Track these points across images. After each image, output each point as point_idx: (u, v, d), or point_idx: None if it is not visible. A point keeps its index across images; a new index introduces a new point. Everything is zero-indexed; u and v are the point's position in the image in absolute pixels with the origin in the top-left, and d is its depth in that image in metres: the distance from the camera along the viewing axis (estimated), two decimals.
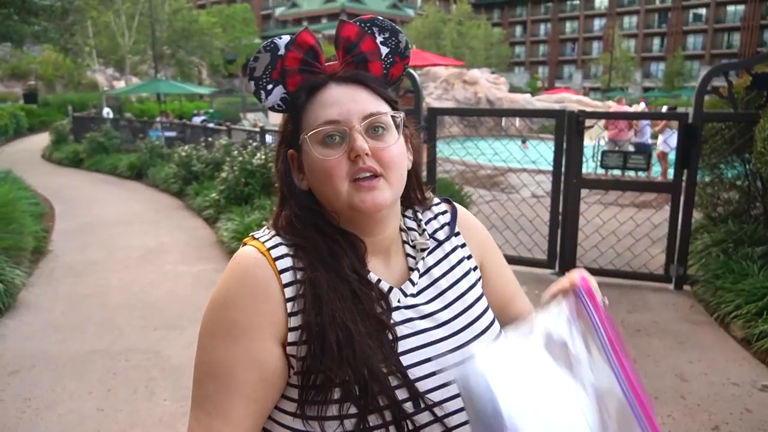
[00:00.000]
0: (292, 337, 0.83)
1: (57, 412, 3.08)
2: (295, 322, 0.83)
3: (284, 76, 0.90)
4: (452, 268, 0.97)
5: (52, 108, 27.27)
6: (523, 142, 10.47)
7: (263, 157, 7.32)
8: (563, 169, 5.05)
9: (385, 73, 0.93)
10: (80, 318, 4.43)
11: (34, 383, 3.38)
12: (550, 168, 5.15)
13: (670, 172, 5.32)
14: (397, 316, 0.88)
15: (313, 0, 67.24)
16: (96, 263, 5.87)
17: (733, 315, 3.98)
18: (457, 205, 1.06)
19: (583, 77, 64.85)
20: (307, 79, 0.89)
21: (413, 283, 0.92)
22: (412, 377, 0.81)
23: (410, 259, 0.96)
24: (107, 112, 20.24)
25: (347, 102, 0.86)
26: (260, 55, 0.90)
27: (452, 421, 0.82)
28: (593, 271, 4.95)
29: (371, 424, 0.78)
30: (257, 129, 9.76)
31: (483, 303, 0.97)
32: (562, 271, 5.16)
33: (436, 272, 0.95)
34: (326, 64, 0.91)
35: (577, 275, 0.83)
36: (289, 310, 0.83)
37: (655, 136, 11.03)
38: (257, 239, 0.90)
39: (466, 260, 0.99)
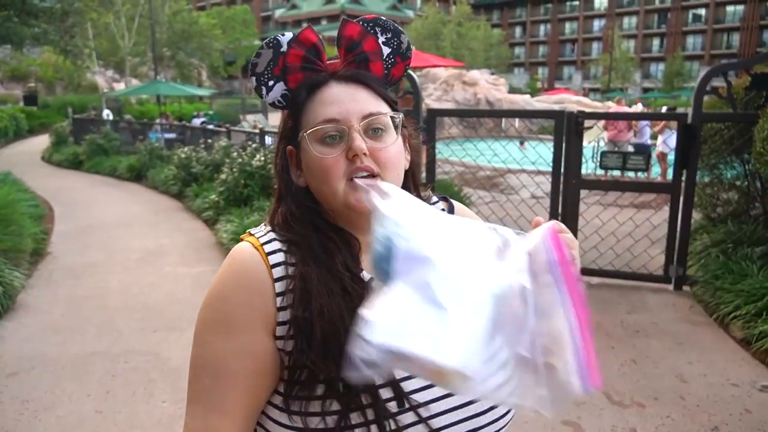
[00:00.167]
0: (280, 331, 0.84)
1: (56, 414, 3.08)
2: (283, 316, 0.84)
3: (285, 73, 0.90)
4: None
5: (52, 110, 27.29)
6: (521, 143, 10.47)
7: (262, 158, 7.32)
8: (562, 170, 5.05)
9: (386, 73, 0.93)
10: (79, 320, 4.42)
11: (33, 385, 3.38)
12: (550, 169, 5.15)
13: (670, 172, 5.32)
14: None
15: (313, 1, 67.31)
16: (95, 265, 5.87)
17: (732, 315, 3.97)
18: (455, 202, 1.06)
19: (583, 78, 64.89)
20: (308, 77, 0.90)
21: None
22: (396, 377, 0.81)
23: None
24: (107, 113, 20.25)
25: (347, 101, 0.86)
26: (262, 51, 0.90)
27: (437, 423, 0.81)
28: (593, 272, 4.99)
29: (353, 422, 0.78)
30: (257, 131, 9.76)
31: None
32: None
33: None
34: (328, 62, 0.91)
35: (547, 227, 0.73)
36: (278, 305, 0.84)
37: (654, 137, 11.03)
38: (253, 235, 0.92)
39: None
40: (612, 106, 18.24)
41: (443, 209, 1.03)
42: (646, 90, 56.38)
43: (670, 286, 4.85)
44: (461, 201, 6.25)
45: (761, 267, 4.33)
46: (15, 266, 5.06)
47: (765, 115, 4.27)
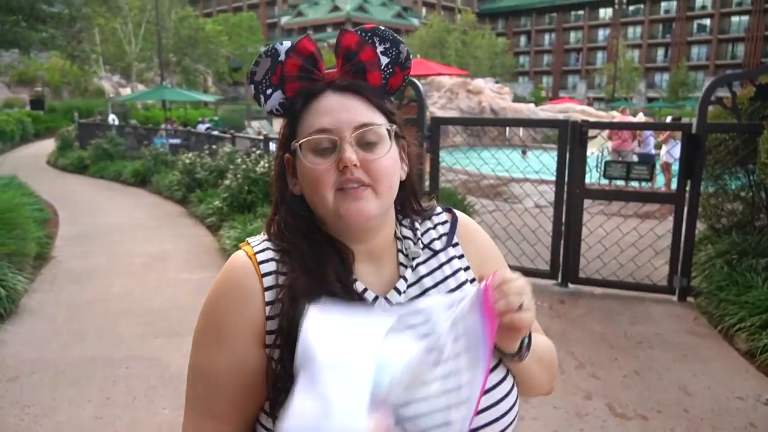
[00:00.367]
0: (269, 339, 0.85)
1: (55, 419, 3.07)
2: (272, 325, 0.85)
3: (283, 82, 0.91)
4: (445, 278, 0.96)
5: (58, 114, 27.46)
6: (524, 152, 10.46)
7: (266, 165, 7.34)
8: (566, 179, 5.04)
9: (384, 83, 0.93)
10: (81, 324, 4.42)
11: (34, 390, 3.37)
12: (553, 178, 5.14)
13: (674, 182, 5.30)
14: None
15: (319, 9, 67.69)
16: (98, 270, 5.87)
17: (737, 327, 3.94)
18: (461, 215, 1.05)
19: (587, 87, 64.96)
20: (305, 86, 0.90)
21: (399, 292, 0.92)
22: None
23: (402, 268, 0.95)
24: (113, 118, 20.35)
25: (340, 111, 0.86)
26: (261, 60, 0.91)
27: None
28: (596, 282, 4.97)
29: None
30: (261, 137, 9.79)
31: None
32: (564, 282, 5.15)
33: (428, 282, 0.94)
34: (325, 71, 0.91)
35: (492, 276, 0.79)
36: (267, 314, 0.86)
37: (658, 147, 11.01)
38: (249, 244, 0.94)
39: (462, 272, 0.98)
40: (616, 116, 18.25)
41: (446, 221, 1.02)
42: (650, 100, 56.40)
43: (674, 297, 4.83)
44: (465, 209, 6.24)
45: (766, 279, 4.31)
46: (18, 270, 5.08)
47: None
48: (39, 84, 33.16)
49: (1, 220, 5.41)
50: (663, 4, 65.26)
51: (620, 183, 7.93)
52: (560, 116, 18.51)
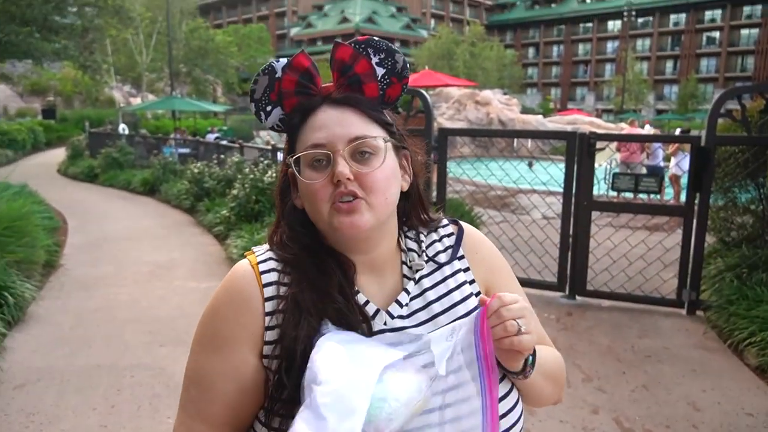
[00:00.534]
0: (267, 350, 0.86)
1: (60, 428, 3.07)
2: (271, 336, 0.86)
3: (281, 98, 0.92)
4: (449, 291, 0.95)
5: (69, 123, 27.75)
6: (530, 164, 10.44)
7: (274, 174, 7.36)
8: (574, 191, 5.02)
9: (382, 94, 0.93)
10: (88, 332, 4.43)
11: (39, 398, 3.38)
12: (561, 189, 5.13)
13: (683, 195, 5.27)
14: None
15: (328, 20, 68.22)
16: (106, 278, 5.90)
17: (747, 342, 3.89)
18: (467, 227, 1.05)
19: (596, 99, 64.90)
20: (302, 101, 0.91)
21: (400, 305, 0.91)
22: None
23: (405, 280, 0.95)
24: (123, 128, 20.52)
25: (333, 126, 0.87)
26: (259, 78, 0.92)
27: None
28: (604, 295, 4.94)
29: None
30: (269, 147, 9.83)
31: None
32: (572, 294, 5.11)
33: (431, 295, 0.94)
34: (322, 86, 0.92)
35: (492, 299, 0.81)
36: (267, 324, 0.86)
37: (667, 159, 10.96)
38: (253, 253, 0.95)
39: (467, 285, 0.97)
40: (625, 128, 18.20)
41: (452, 233, 1.02)
42: (659, 112, 56.25)
43: (683, 311, 4.78)
44: (472, 220, 6.22)
45: None
46: (27, 278, 5.11)
47: None
48: (51, 94, 33.55)
49: (10, 228, 5.44)
50: (672, 16, 65.27)
51: (629, 195, 7.89)
52: (568, 128, 18.49)
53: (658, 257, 5.12)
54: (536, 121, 22.59)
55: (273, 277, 0.89)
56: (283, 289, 0.88)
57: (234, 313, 0.87)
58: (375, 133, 0.88)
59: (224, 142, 13.91)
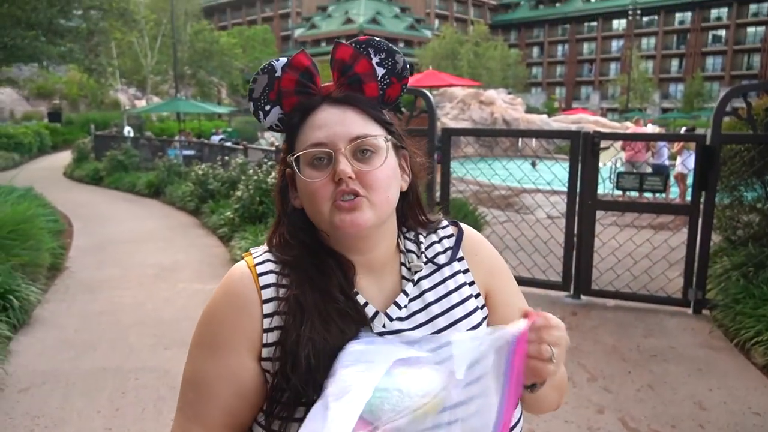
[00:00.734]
0: (265, 352, 0.85)
1: (65, 431, 3.08)
2: (270, 338, 0.85)
3: (281, 98, 0.91)
4: (449, 293, 0.94)
5: (75, 126, 27.86)
6: (533, 164, 10.40)
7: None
8: (578, 190, 5.00)
9: (382, 93, 0.92)
10: (93, 335, 4.44)
11: (44, 401, 3.38)
12: (565, 189, 5.11)
13: (689, 193, 5.24)
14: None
15: (332, 22, 68.27)
16: (111, 280, 5.91)
17: (753, 341, 3.87)
18: (467, 228, 1.04)
19: (601, 98, 64.70)
20: (302, 101, 0.90)
21: (399, 307, 0.91)
22: None
23: (404, 282, 0.94)
24: (128, 130, 20.60)
25: (334, 125, 0.87)
26: (258, 77, 0.92)
27: None
28: (609, 294, 4.92)
29: None
30: (273, 148, 9.85)
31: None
32: (577, 294, 5.09)
33: (430, 297, 0.93)
34: (322, 85, 0.91)
35: (531, 321, 0.79)
36: (265, 326, 0.86)
37: (673, 158, 10.91)
38: (251, 254, 0.94)
39: (467, 286, 0.96)
40: (630, 127, 18.13)
41: (452, 234, 1.01)
42: (665, 110, 56.02)
43: (689, 310, 4.75)
44: (476, 220, 6.20)
45: None
46: (32, 281, 5.12)
47: None
48: (57, 97, 33.71)
49: (15, 231, 5.46)
50: (677, 14, 64.98)
51: (634, 194, 7.85)
52: (573, 127, 18.44)
53: (663, 256, 5.09)
54: (541, 121, 22.54)
55: (271, 279, 0.88)
56: (281, 291, 0.87)
57: (232, 316, 0.87)
58: (376, 132, 0.88)
59: (228, 144, 13.94)
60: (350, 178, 0.83)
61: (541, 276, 5.28)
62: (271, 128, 0.94)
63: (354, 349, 0.80)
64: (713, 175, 4.59)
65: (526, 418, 0.99)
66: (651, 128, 18.86)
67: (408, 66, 0.94)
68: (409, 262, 0.95)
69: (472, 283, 0.97)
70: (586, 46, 71.89)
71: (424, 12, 74.82)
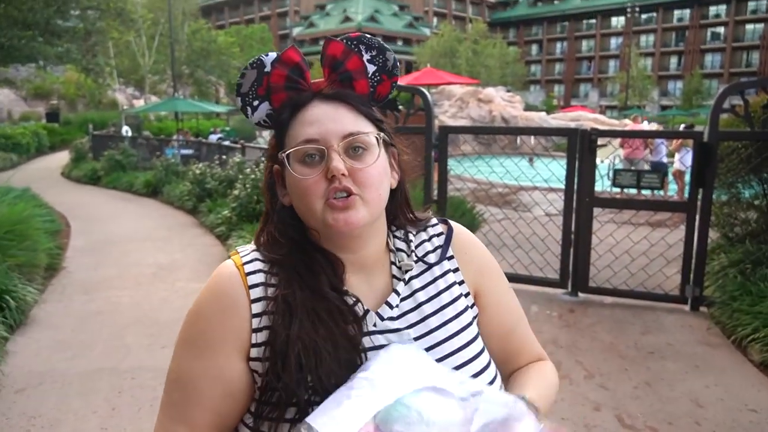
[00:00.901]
0: (254, 352, 0.84)
1: (61, 431, 3.07)
2: (259, 338, 0.84)
3: (270, 93, 0.90)
4: (439, 293, 0.94)
5: (73, 126, 27.82)
6: (530, 160, 10.40)
7: None
8: (576, 188, 5.00)
9: (372, 91, 0.92)
10: (90, 335, 4.44)
11: (40, 401, 3.38)
12: (562, 186, 5.10)
13: (687, 191, 5.23)
14: (372, 340, 0.86)
15: (330, 20, 68.21)
16: (109, 280, 5.90)
17: (750, 338, 3.86)
18: (457, 226, 1.03)
19: (600, 95, 64.67)
20: (292, 96, 0.89)
21: (391, 306, 0.90)
22: None
23: (395, 281, 0.93)
24: (126, 130, 20.56)
25: (327, 121, 0.85)
26: (247, 72, 0.90)
27: None
28: (607, 292, 4.92)
29: None
30: None
31: (470, 332, 0.93)
32: (574, 291, 5.08)
33: (421, 296, 0.93)
34: (312, 81, 0.90)
35: None
36: (254, 326, 0.84)
37: (672, 155, 10.91)
38: (238, 254, 0.92)
39: (457, 285, 0.96)
40: (629, 124, 18.13)
41: (441, 233, 1.00)
42: (664, 108, 56.04)
43: (686, 307, 4.75)
44: (473, 218, 6.17)
45: None
46: (29, 281, 5.11)
47: None
48: (54, 97, 33.67)
49: (11, 232, 5.45)
50: (676, 12, 64.98)
51: (632, 191, 7.84)
52: (572, 124, 18.42)
53: (660, 253, 5.09)
54: (539, 118, 22.54)
55: (260, 278, 0.87)
56: (270, 290, 0.86)
57: (220, 316, 0.85)
58: (367, 129, 0.87)
59: (226, 143, 13.92)
60: (343, 174, 0.83)
61: (539, 273, 5.28)
62: (259, 124, 0.93)
63: (398, 351, 0.80)
64: (710, 172, 4.59)
65: None
66: (646, 126, 18.88)
67: (398, 63, 0.93)
68: (399, 261, 0.94)
69: (461, 282, 0.97)
70: (584, 44, 71.86)
71: (423, 10, 74.75)
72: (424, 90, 5.56)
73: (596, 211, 5.13)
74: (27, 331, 4.48)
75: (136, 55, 32.12)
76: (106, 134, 18.78)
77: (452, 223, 1.03)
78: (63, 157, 19.64)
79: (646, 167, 9.53)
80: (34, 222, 6.28)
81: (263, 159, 8.52)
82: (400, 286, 0.92)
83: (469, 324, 0.94)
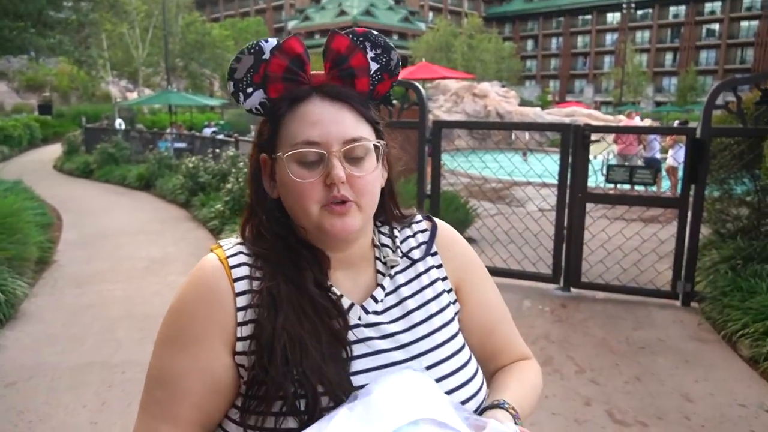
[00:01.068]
0: (240, 346, 0.83)
1: (50, 425, 3.06)
2: (244, 331, 0.83)
3: (266, 82, 0.87)
4: (423, 288, 0.94)
5: (66, 119, 27.65)
6: (524, 154, 10.40)
7: None
8: (569, 183, 5.00)
9: (371, 89, 0.90)
10: (80, 329, 4.41)
11: (30, 395, 3.36)
12: (556, 181, 5.10)
13: (680, 186, 5.25)
14: (355, 333, 0.85)
15: (326, 13, 67.93)
16: (100, 274, 5.88)
17: (740, 334, 3.88)
18: (441, 223, 1.03)
19: (595, 91, 64.79)
20: (290, 89, 0.86)
21: (376, 301, 0.90)
22: None
23: (380, 276, 0.93)
24: (119, 123, 20.45)
25: (329, 124, 0.83)
26: (243, 57, 0.87)
27: None
28: (599, 287, 4.93)
29: None
30: None
31: (452, 328, 0.93)
32: (566, 286, 5.10)
33: (405, 291, 0.92)
34: (312, 73, 0.88)
35: None
36: (239, 320, 0.83)
37: (665, 151, 10.94)
38: (221, 247, 0.91)
39: (440, 281, 0.96)
40: (623, 120, 18.15)
41: (426, 229, 1.00)
42: (658, 104, 56.20)
43: (678, 302, 4.77)
44: (466, 213, 6.16)
45: None
46: (19, 275, 5.07)
47: None
48: (47, 89, 33.44)
49: (1, 225, 5.41)
50: (672, 8, 65.08)
51: (626, 187, 7.86)
52: (567, 120, 18.45)
53: (653, 249, 5.10)
54: (534, 114, 22.54)
55: (244, 271, 0.86)
56: (255, 284, 0.85)
57: (204, 310, 0.84)
58: (367, 134, 0.86)
59: (220, 137, 13.87)
60: (342, 183, 0.82)
61: (532, 268, 5.29)
62: (250, 111, 0.90)
63: (408, 378, 0.79)
64: (703, 168, 4.60)
65: None
66: (638, 121, 18.93)
67: (400, 63, 0.92)
68: (384, 257, 0.94)
69: (445, 278, 0.97)
70: (580, 39, 71.90)
71: (419, 4, 74.56)
72: (418, 84, 5.54)
73: (589, 206, 5.14)
74: (17, 325, 4.46)
75: (130, 48, 31.86)
76: (99, 127, 18.67)
77: (436, 219, 1.03)
78: (55, 150, 19.51)
79: (640, 163, 9.56)
80: (25, 215, 6.24)
81: None
82: (386, 281, 0.92)
83: (452, 320, 0.94)
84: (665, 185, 10.79)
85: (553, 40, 74.24)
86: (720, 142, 5.11)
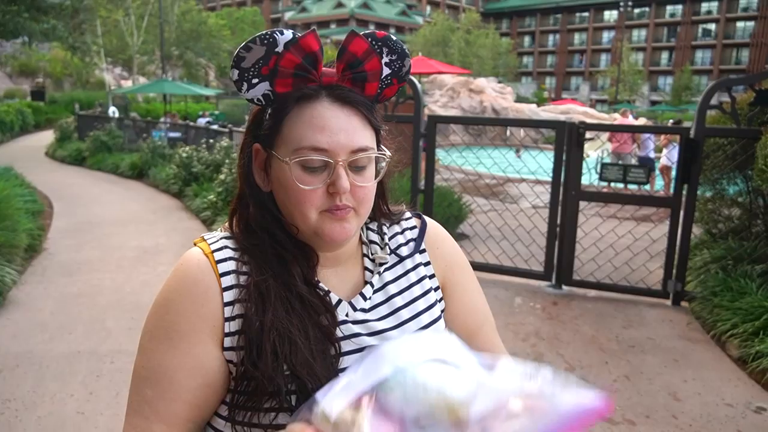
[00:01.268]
0: (228, 341, 0.81)
1: (36, 414, 3.04)
2: (232, 326, 0.82)
3: (275, 75, 0.83)
4: (410, 286, 0.93)
5: (59, 105, 27.43)
6: (517, 151, 10.40)
7: None
8: (562, 181, 5.00)
9: (379, 92, 0.89)
10: (69, 318, 4.39)
11: (16, 384, 3.33)
12: (550, 179, 5.10)
13: (673, 186, 5.26)
14: (343, 330, 0.84)
15: (323, 5, 67.60)
16: (90, 262, 5.84)
17: (729, 333, 3.91)
18: (430, 221, 1.02)
19: (591, 89, 64.83)
20: (299, 85, 0.83)
21: (365, 298, 0.89)
22: None
23: (367, 273, 0.92)
24: (113, 111, 20.30)
25: (337, 131, 0.81)
26: (254, 47, 0.82)
27: None
28: (590, 285, 4.93)
29: None
30: None
31: (439, 325, 0.93)
32: (558, 284, 5.10)
33: (393, 289, 0.92)
34: (322, 70, 0.85)
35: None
36: (226, 315, 0.82)
37: (659, 150, 10.97)
38: (205, 240, 0.88)
39: (427, 279, 0.95)
40: (617, 118, 18.18)
41: (414, 226, 1.00)
42: (653, 103, 56.34)
43: (668, 302, 4.79)
44: (460, 208, 6.15)
45: (760, 285, 4.26)
46: (8, 262, 5.03)
47: None
48: (40, 75, 33.15)
49: None
50: (668, 7, 65.14)
51: (620, 185, 7.88)
52: (562, 117, 18.43)
53: (644, 248, 5.12)
54: (529, 110, 22.55)
55: (230, 265, 0.84)
56: (242, 279, 0.83)
57: (191, 305, 0.82)
58: (371, 141, 0.85)
59: (214, 127, 13.79)
60: (345, 193, 0.81)
61: (524, 265, 5.29)
62: (251, 101, 0.86)
63: (422, 334, 0.80)
64: (696, 168, 4.61)
65: None
66: (631, 120, 18.97)
67: (410, 69, 0.91)
68: (372, 254, 0.94)
69: (432, 276, 0.97)
70: (577, 37, 71.90)
71: None
72: (414, 79, 5.52)
73: (582, 204, 5.14)
74: (4, 313, 4.42)
75: (125, 35, 31.57)
76: (92, 114, 18.54)
77: (426, 217, 1.03)
78: (47, 137, 19.34)
79: (634, 162, 9.58)
80: (14, 202, 6.18)
81: None
82: (375, 278, 0.91)
83: (439, 317, 0.94)
84: (658, 184, 10.84)
85: (550, 37, 74.21)
86: (713, 142, 5.11)
